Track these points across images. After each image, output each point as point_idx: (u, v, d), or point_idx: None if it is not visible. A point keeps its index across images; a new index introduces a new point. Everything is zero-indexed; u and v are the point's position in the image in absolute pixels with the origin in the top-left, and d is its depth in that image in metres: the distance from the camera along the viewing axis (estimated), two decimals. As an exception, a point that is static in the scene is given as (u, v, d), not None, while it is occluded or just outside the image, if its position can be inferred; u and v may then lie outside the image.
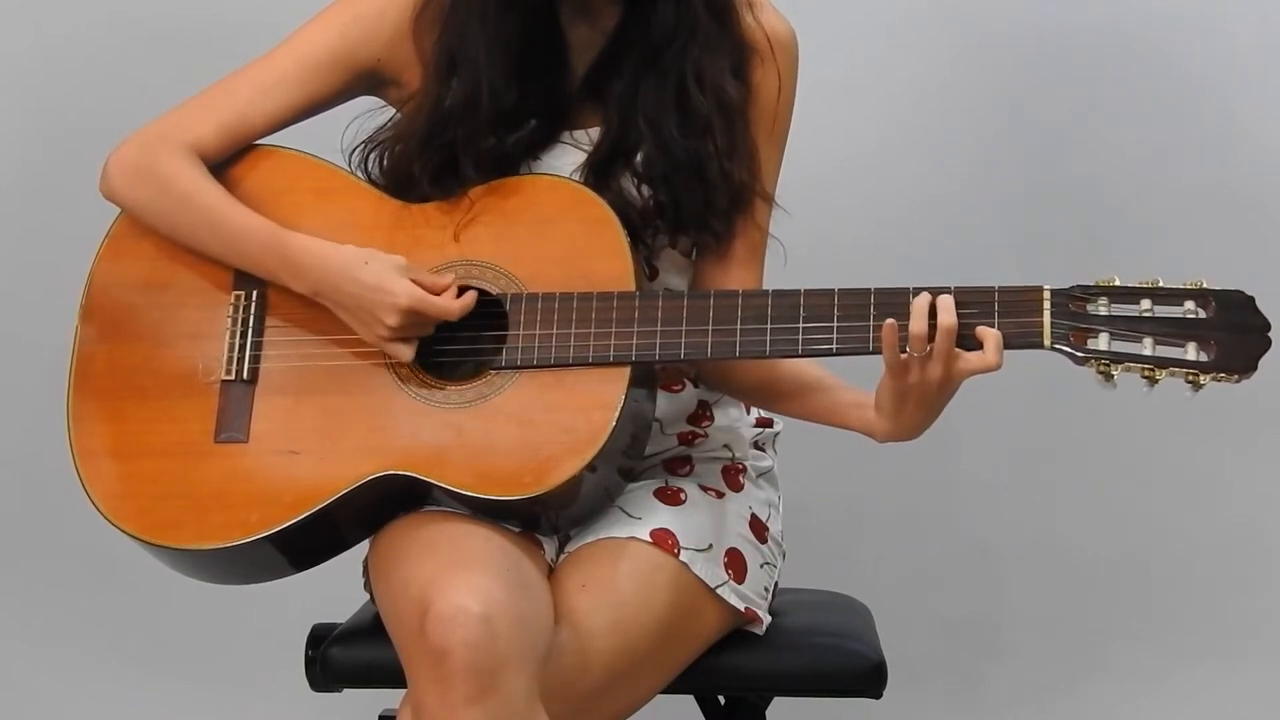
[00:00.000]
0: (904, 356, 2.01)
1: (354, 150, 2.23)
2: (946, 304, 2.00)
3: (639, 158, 2.17)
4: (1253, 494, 3.10)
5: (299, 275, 2.14)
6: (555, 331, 2.08)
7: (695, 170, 2.16)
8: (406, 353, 2.11)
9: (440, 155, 2.16)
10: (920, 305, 2.00)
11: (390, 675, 2.05)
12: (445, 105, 2.16)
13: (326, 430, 2.11)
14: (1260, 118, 3.03)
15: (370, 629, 2.19)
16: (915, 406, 2.06)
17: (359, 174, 2.23)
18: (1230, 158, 3.03)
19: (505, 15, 2.14)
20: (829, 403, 2.17)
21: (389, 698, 2.11)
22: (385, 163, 2.21)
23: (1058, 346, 1.99)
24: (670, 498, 2.19)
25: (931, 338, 2.00)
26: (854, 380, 2.16)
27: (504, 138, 2.17)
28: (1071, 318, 1.99)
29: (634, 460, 2.16)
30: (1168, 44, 3.03)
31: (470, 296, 2.11)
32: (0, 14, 3.13)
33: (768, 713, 2.29)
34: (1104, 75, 3.05)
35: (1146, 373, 1.97)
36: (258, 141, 2.24)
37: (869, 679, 2.22)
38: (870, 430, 2.12)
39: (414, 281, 2.09)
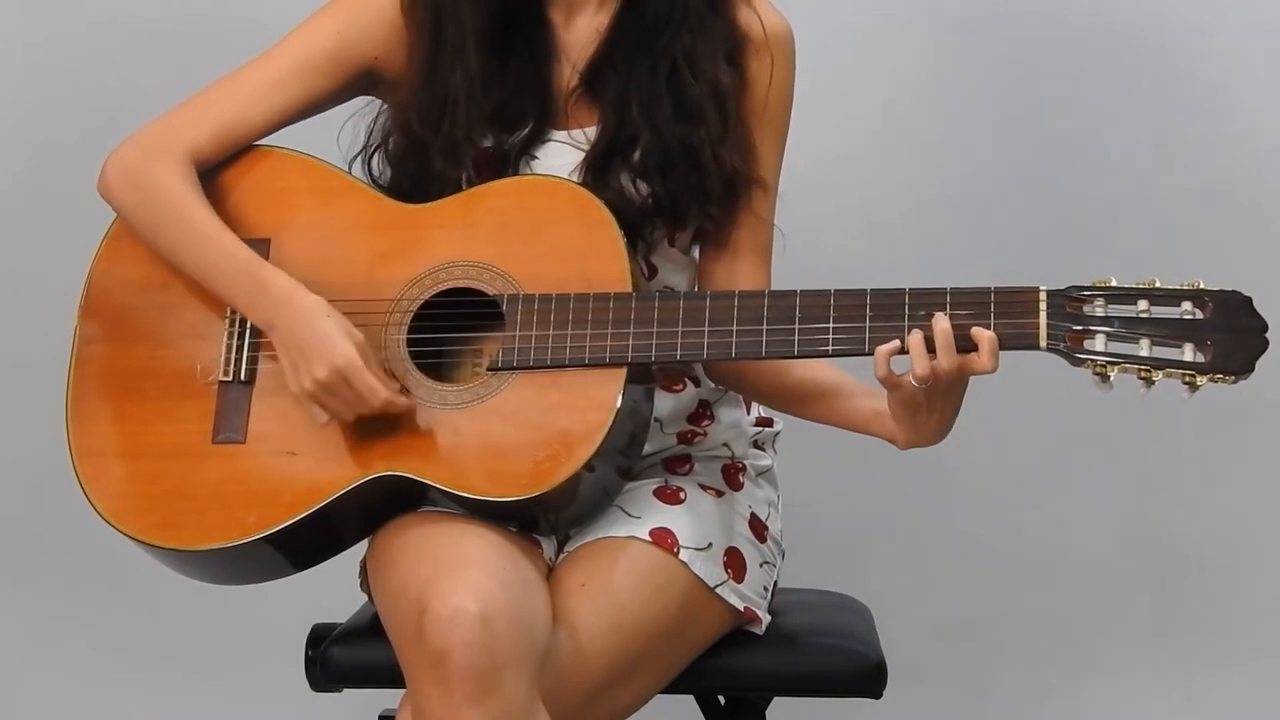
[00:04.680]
0: (899, 377, 2.02)
1: (354, 158, 2.24)
2: (946, 342, 1.99)
3: (636, 154, 2.17)
4: (1253, 494, 3.10)
5: (260, 304, 2.12)
6: (552, 332, 2.08)
7: (689, 157, 2.16)
8: (319, 415, 2.10)
9: (432, 130, 2.16)
10: (916, 342, 2.00)
11: (390, 675, 2.05)
12: (434, 73, 2.16)
13: (324, 431, 2.11)
14: (1258, 117, 3.03)
15: (370, 629, 2.19)
16: (928, 415, 2.06)
17: (362, 176, 2.23)
18: (1227, 157, 3.03)
19: None
20: (849, 409, 2.17)
21: (389, 698, 2.11)
22: (391, 148, 2.21)
23: (1054, 348, 1.99)
24: (670, 497, 2.19)
25: (933, 355, 2.00)
26: (866, 378, 2.15)
27: (501, 139, 2.18)
28: (1068, 319, 1.99)
29: (632, 460, 2.16)
30: (1164, 42, 3.03)
31: (405, 401, 2.09)
32: (0, 14, 3.14)
33: (768, 713, 2.29)
34: (1101, 73, 3.04)
35: (1143, 374, 1.96)
36: (257, 142, 2.23)
37: (869, 679, 2.22)
38: (892, 438, 2.12)
39: (363, 358, 2.07)
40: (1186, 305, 1.97)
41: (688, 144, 2.16)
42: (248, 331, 2.17)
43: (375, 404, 2.07)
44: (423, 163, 2.19)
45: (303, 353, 2.08)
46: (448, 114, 2.17)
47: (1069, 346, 1.98)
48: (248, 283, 2.13)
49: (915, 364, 2.00)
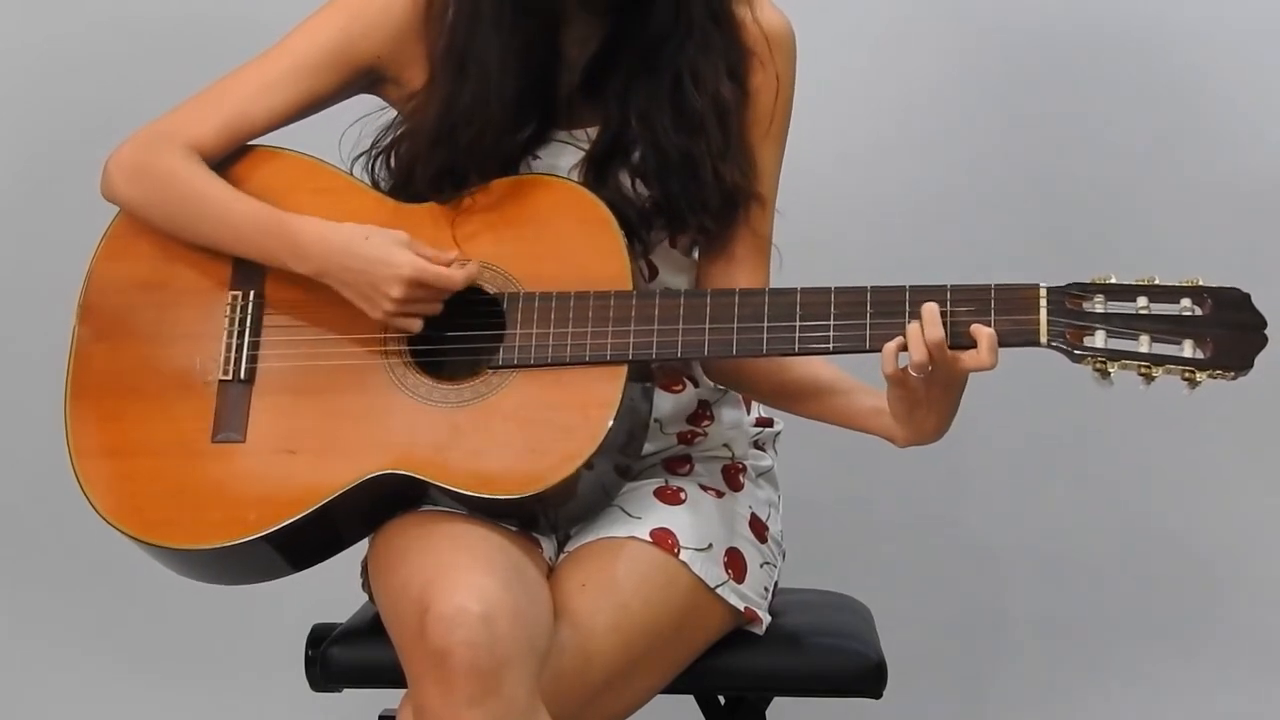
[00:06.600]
0: (904, 372, 2.02)
1: (357, 158, 2.24)
2: (932, 318, 2.00)
3: (636, 155, 2.17)
4: (1253, 494, 3.10)
5: (303, 256, 2.13)
6: (552, 330, 2.08)
7: (688, 168, 2.16)
8: (414, 325, 2.11)
9: (443, 156, 2.16)
10: (915, 331, 2.01)
11: (390, 675, 2.05)
12: (454, 107, 2.16)
13: (324, 430, 2.11)
14: (1258, 115, 3.03)
15: (370, 629, 2.20)
16: (927, 410, 2.06)
17: (364, 177, 2.23)
18: (1228, 156, 3.03)
19: (521, 23, 2.14)
20: (847, 406, 2.17)
21: (389, 698, 2.11)
22: (392, 162, 2.21)
23: (1054, 344, 1.99)
24: (670, 497, 2.19)
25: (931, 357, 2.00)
26: (864, 376, 2.16)
27: (505, 139, 2.17)
28: (1068, 315, 1.99)
29: (631, 459, 2.16)
30: (1165, 41, 3.03)
31: (475, 265, 2.11)
32: (0, 14, 3.14)
33: (768, 713, 2.29)
34: (1101, 72, 3.04)
35: (1143, 370, 1.97)
36: (259, 143, 2.24)
37: (869, 679, 2.22)
38: (890, 436, 2.12)
39: (417, 254, 2.09)
40: (1186, 302, 1.98)
41: (686, 154, 2.16)
42: (247, 330, 2.17)
43: (455, 288, 2.09)
44: (428, 172, 2.18)
45: (369, 283, 2.09)
46: (461, 132, 2.16)
47: (1069, 343, 1.99)
48: (280, 238, 2.14)
49: (913, 353, 2.00)
